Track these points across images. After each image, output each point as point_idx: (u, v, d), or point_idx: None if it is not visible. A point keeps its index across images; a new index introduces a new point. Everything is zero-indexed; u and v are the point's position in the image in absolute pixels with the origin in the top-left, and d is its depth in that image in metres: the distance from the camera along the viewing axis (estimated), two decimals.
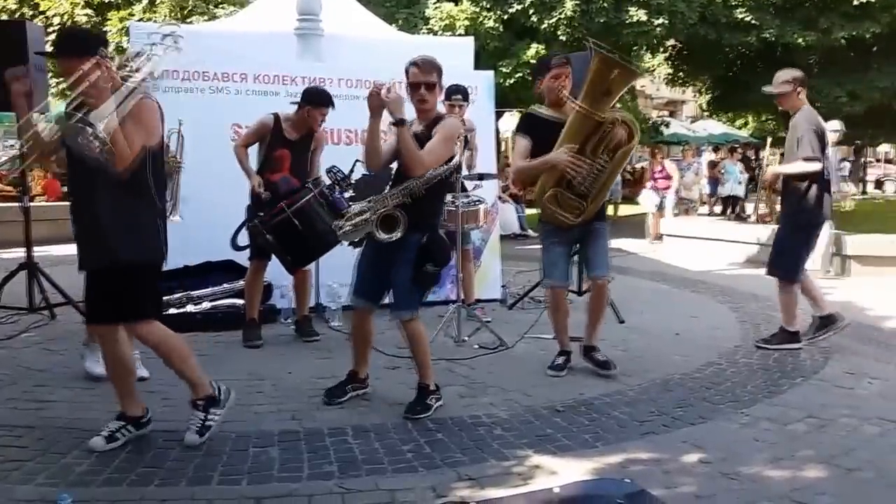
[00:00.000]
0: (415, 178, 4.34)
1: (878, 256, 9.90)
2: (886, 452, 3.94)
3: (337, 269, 6.52)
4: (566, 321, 5.40)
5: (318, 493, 3.46)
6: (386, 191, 4.43)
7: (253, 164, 6.04)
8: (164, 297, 6.10)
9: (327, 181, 5.88)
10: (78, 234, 3.92)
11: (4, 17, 16.14)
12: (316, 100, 5.96)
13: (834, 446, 4.02)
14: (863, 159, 36.09)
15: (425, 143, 4.40)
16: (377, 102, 4.27)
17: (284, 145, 5.97)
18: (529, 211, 17.46)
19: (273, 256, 5.94)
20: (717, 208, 20.52)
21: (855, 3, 14.66)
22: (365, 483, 3.58)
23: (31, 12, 16.23)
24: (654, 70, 22.99)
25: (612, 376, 5.13)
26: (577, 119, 4.88)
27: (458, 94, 6.53)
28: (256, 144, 6.08)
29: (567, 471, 3.71)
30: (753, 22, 15.30)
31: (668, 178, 14.66)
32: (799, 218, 5.85)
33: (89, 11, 16.00)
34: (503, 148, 14.91)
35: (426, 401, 4.50)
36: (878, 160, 42.02)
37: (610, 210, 18.61)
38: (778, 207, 5.73)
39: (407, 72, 4.48)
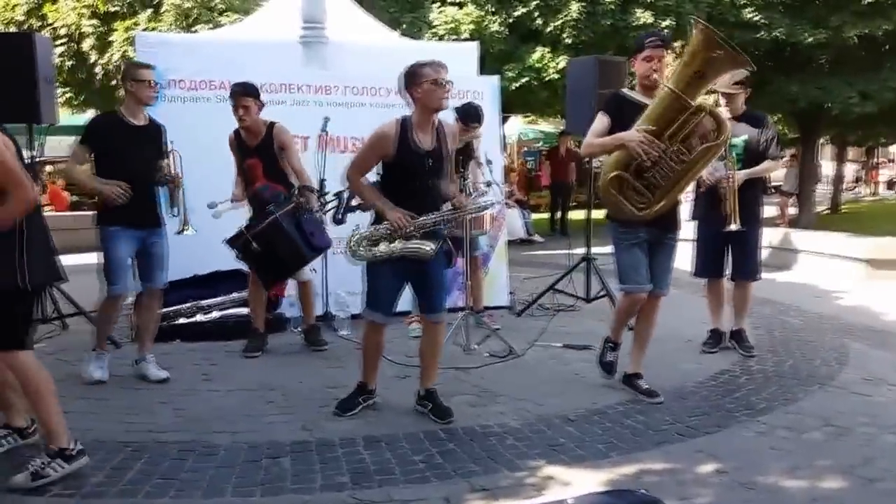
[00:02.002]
0: (459, 213, 4.58)
1: (893, 260, 9.79)
2: None
3: (345, 277, 6.50)
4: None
5: None
6: (420, 217, 4.38)
7: None
8: (174, 307, 6.11)
9: (311, 200, 5.81)
10: None
11: (12, 28, 16.19)
12: (233, 90, 5.89)
13: (853, 455, 3.96)
14: (874, 160, 35.94)
15: (442, 158, 4.44)
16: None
17: (250, 154, 5.87)
18: (535, 216, 17.44)
19: None
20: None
21: (865, 0, 14.56)
22: (378, 494, 3.56)
23: (38, 23, 16.28)
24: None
25: (662, 403, 4.81)
26: (662, 100, 4.52)
27: (477, 122, 6.47)
28: None
29: (580, 481, 3.67)
30: (762, 21, 15.21)
31: None
32: (760, 218, 5.97)
33: (95, 21, 16.04)
34: (507, 153, 14.88)
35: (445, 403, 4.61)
36: (890, 160, 41.81)
37: None
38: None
39: (414, 74, 4.35)
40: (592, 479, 3.70)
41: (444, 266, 4.59)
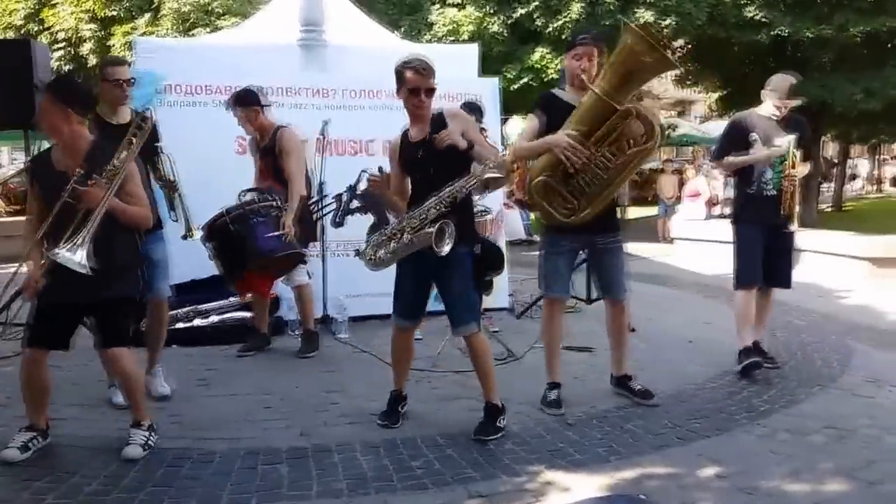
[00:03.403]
0: (458, 184, 4.13)
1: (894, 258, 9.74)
2: None
3: (344, 280, 6.47)
4: (560, 344, 5.00)
5: None
6: (420, 206, 4.21)
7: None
8: (172, 311, 6.08)
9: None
10: None
11: (11, 33, 16.21)
12: (234, 101, 5.90)
13: (855, 458, 3.92)
14: (878, 157, 35.88)
15: (441, 149, 4.21)
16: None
17: (261, 155, 5.95)
18: (535, 215, 17.40)
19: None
20: (728, 210, 20.41)
21: None
22: (374, 501, 3.53)
23: (36, 27, 16.31)
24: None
25: (656, 405, 4.75)
26: (590, 102, 4.38)
27: (477, 113, 6.42)
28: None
29: (580, 487, 3.64)
30: (764, 20, 15.18)
31: (697, 194, 15.18)
32: None
33: (94, 26, 16.06)
34: (509, 152, 14.84)
35: (497, 423, 4.32)
36: (893, 157, 41.75)
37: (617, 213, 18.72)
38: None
39: (400, 74, 4.26)
40: (592, 485, 3.66)
41: (471, 272, 4.33)
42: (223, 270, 5.77)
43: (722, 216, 19.81)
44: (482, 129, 4.57)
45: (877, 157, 35.86)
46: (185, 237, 5.19)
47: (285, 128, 5.98)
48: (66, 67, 16.12)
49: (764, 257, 5.44)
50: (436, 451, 4.10)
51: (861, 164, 36.83)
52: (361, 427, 4.46)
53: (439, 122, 4.29)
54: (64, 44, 16.32)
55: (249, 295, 6.32)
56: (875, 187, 34.61)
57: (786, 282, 5.60)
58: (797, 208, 5.35)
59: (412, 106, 4.29)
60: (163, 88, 6.72)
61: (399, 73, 4.27)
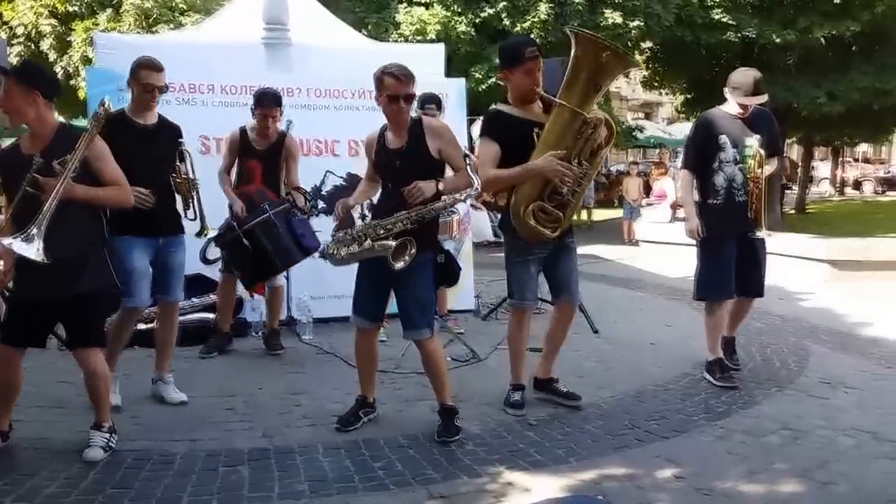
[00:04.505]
0: (432, 205, 4.18)
1: (857, 261, 9.91)
2: (861, 465, 3.92)
3: (308, 282, 6.46)
4: (525, 348, 4.95)
5: None
6: (388, 217, 4.21)
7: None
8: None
9: (299, 201, 5.77)
10: None
11: None
12: (259, 101, 5.84)
13: (808, 459, 3.99)
14: (841, 160, 36.41)
15: (416, 157, 4.26)
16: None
17: (253, 156, 5.91)
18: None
19: None
20: None
21: (835, 0, 14.69)
22: (336, 502, 3.54)
23: None
24: (629, 72, 23.14)
25: (580, 407, 4.76)
26: (562, 118, 4.36)
27: (432, 103, 6.47)
28: None
29: (540, 487, 3.67)
30: (731, 22, 15.34)
31: (663, 195, 15.28)
32: None
33: (53, 21, 15.82)
34: (476, 153, 14.86)
35: (455, 422, 4.36)
36: (856, 160, 42.43)
37: (584, 215, 18.83)
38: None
39: (380, 80, 4.26)
40: (552, 485, 3.69)
41: (430, 277, 4.35)
42: (251, 271, 5.71)
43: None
44: (466, 156, 4.49)
45: (839, 159, 36.39)
46: (198, 235, 5.13)
47: (290, 133, 6.06)
48: None
49: (738, 268, 5.26)
50: (398, 452, 4.11)
51: (820, 167, 37.35)
52: (324, 429, 4.46)
53: (417, 129, 4.31)
54: (23, 38, 16.06)
55: (213, 295, 6.28)
56: (837, 190, 35.13)
57: (759, 291, 5.46)
58: (763, 213, 5.19)
59: (391, 112, 4.27)
60: (124, 85, 6.63)
61: (378, 80, 4.27)
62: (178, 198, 4.99)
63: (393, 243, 4.08)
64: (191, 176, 4.96)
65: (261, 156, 5.93)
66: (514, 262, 4.74)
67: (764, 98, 5.21)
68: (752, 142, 5.13)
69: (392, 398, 5.01)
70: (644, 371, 5.62)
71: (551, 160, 4.32)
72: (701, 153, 5.29)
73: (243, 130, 5.94)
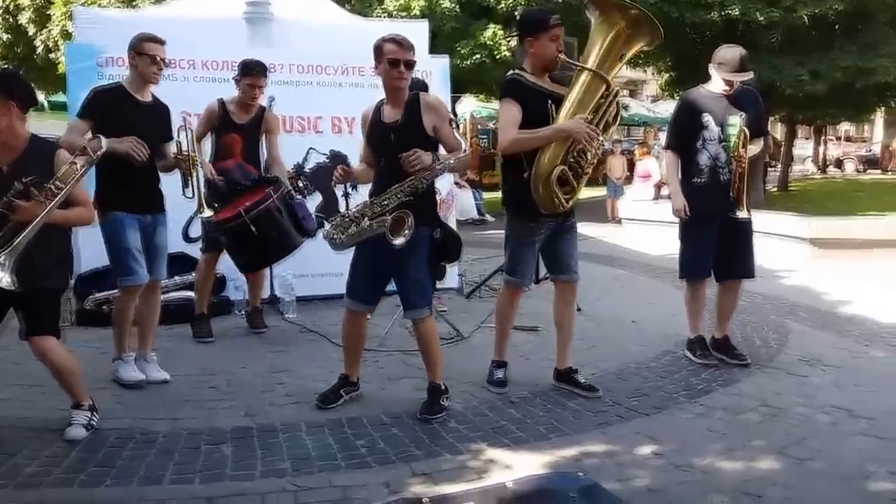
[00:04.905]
0: (420, 176, 4.15)
1: (837, 239, 9.99)
2: (838, 442, 3.97)
3: (291, 260, 6.43)
4: (511, 326, 5.03)
5: (270, 492, 3.42)
6: (383, 193, 4.22)
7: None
8: (114, 291, 5.99)
9: (287, 185, 5.75)
10: None
11: None
12: (248, 70, 5.78)
13: (786, 436, 4.04)
14: (823, 138, 36.53)
15: (411, 132, 4.22)
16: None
17: (233, 130, 5.85)
18: (487, 195, 17.45)
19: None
20: None
21: None
22: (318, 480, 3.55)
23: None
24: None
25: (600, 397, 4.64)
26: (590, 84, 4.33)
27: (418, 89, 6.40)
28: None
29: (521, 464, 3.70)
30: (715, 0, 15.29)
31: (647, 175, 15.36)
32: None
33: None
34: (461, 131, 14.84)
35: (440, 402, 4.38)
36: (838, 138, 42.58)
37: None
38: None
39: (379, 48, 4.23)
40: (533, 462, 3.72)
41: (426, 257, 4.34)
42: (253, 257, 5.67)
43: (671, 197, 20.13)
44: (451, 119, 4.48)
45: (822, 138, 36.52)
46: (196, 213, 5.20)
47: (268, 108, 6.02)
48: (5, 37, 15.68)
49: (723, 250, 5.24)
50: (380, 430, 4.13)
51: (803, 146, 37.46)
52: (307, 407, 4.47)
53: (414, 104, 4.28)
54: (1, 11, 15.85)
55: (194, 274, 6.25)
56: (819, 169, 35.29)
57: (746, 272, 5.36)
58: (745, 193, 5.13)
59: (392, 79, 4.22)
60: (103, 61, 6.59)
61: (378, 48, 4.25)
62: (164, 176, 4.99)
63: (389, 218, 4.08)
64: (191, 153, 4.96)
65: (241, 129, 5.88)
66: (519, 241, 4.68)
67: (750, 75, 5.18)
68: (737, 120, 5.08)
69: (376, 376, 5.03)
70: (626, 349, 5.67)
71: (580, 122, 4.27)
72: (684, 133, 5.27)
73: (222, 103, 5.87)
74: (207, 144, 5.99)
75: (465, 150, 4.22)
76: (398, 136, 4.23)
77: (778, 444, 3.93)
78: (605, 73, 4.35)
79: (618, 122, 4.65)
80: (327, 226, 4.48)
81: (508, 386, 4.78)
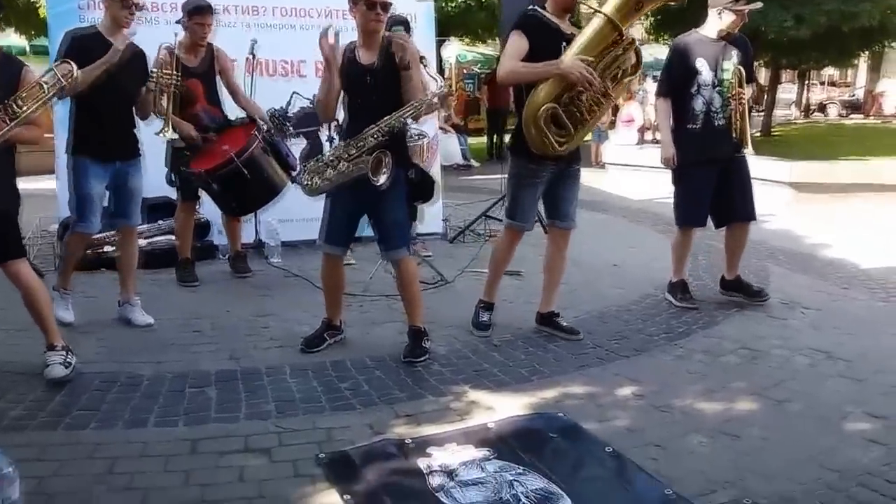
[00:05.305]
0: (396, 115, 4.11)
1: (818, 183, 10.04)
2: (815, 383, 4.03)
3: (276, 205, 6.41)
4: (504, 270, 5.04)
5: (254, 434, 3.45)
6: (358, 135, 4.16)
7: None
8: (99, 235, 5.96)
9: (265, 126, 5.68)
10: None
11: None
12: (195, 9, 5.63)
13: (765, 378, 4.10)
14: (807, 82, 36.39)
15: (389, 74, 4.16)
16: (327, 51, 4.14)
17: (190, 76, 5.65)
18: (472, 141, 17.37)
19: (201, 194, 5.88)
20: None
21: None
22: (302, 422, 3.58)
23: None
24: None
25: (581, 340, 4.70)
26: (601, 29, 4.26)
27: (400, 25, 6.32)
28: None
29: (503, 406, 3.74)
30: None
31: (631, 120, 15.33)
32: None
33: None
34: (447, 75, 14.69)
35: (423, 344, 4.40)
36: (822, 83, 42.43)
37: None
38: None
39: None
40: (515, 404, 3.77)
41: (404, 198, 4.34)
42: (242, 201, 5.65)
43: (655, 142, 20.10)
44: (421, 58, 4.44)
45: (806, 83, 36.39)
46: (158, 134, 5.14)
47: (215, 44, 5.87)
48: None
49: (723, 194, 5.22)
50: (364, 373, 4.17)
51: (785, 90, 37.31)
52: (291, 351, 4.49)
53: (389, 48, 4.21)
54: None
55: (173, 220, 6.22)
56: (802, 113, 35.24)
57: (749, 214, 5.35)
58: (748, 130, 5.13)
59: (368, 21, 4.13)
60: (84, 4, 6.47)
61: None
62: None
63: (369, 158, 4.05)
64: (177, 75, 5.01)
65: (198, 74, 5.74)
66: (522, 183, 4.64)
67: (759, 5, 5.08)
68: (731, 64, 5.08)
69: (359, 321, 5.05)
70: (607, 292, 5.71)
71: (577, 62, 4.19)
72: (677, 79, 5.22)
73: (171, 51, 5.45)
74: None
75: (440, 87, 4.23)
76: (375, 78, 4.18)
77: (757, 385, 3.99)
78: (620, 21, 4.26)
79: (636, 75, 4.59)
80: (303, 173, 4.43)
81: (491, 330, 4.82)
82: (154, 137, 5.29)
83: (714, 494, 2.90)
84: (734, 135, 5.13)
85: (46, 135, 4.44)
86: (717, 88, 5.10)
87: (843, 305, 5.43)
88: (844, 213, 8.98)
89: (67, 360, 4.04)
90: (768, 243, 7.38)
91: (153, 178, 5.87)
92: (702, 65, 5.10)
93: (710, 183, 5.20)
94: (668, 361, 4.37)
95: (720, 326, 4.96)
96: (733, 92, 5.05)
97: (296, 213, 6.75)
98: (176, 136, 5.29)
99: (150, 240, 6.39)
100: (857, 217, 8.74)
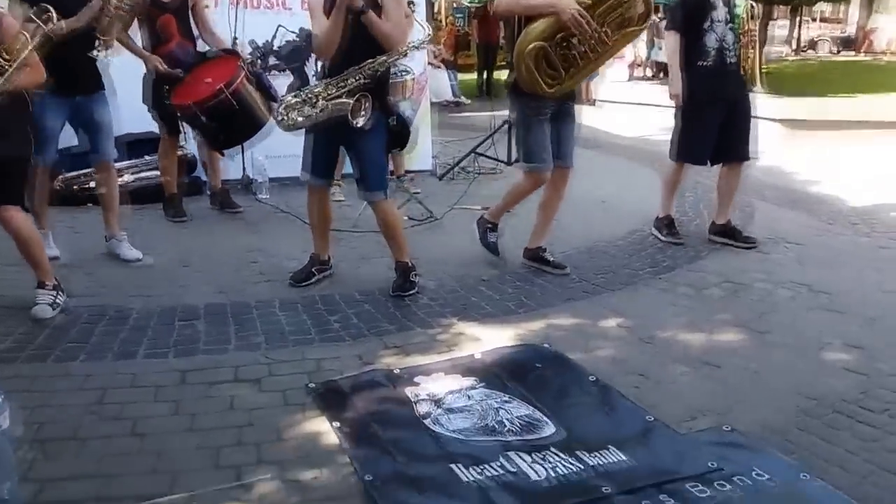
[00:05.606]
0: (380, 59, 4.08)
1: (809, 120, 10.03)
2: (797, 316, 4.10)
3: (263, 142, 6.39)
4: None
5: (244, 365, 3.49)
6: (340, 75, 4.12)
7: None
8: (87, 170, 5.95)
9: (248, 57, 5.63)
10: None
11: None
12: None
13: (748, 310, 4.16)
14: (799, 18, 35.99)
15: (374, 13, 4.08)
16: None
17: (163, 10, 5.59)
18: (462, 77, 17.20)
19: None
20: (650, 71, 20.47)
21: None
22: (291, 353, 3.62)
23: None
24: None
25: (568, 274, 4.73)
26: None
27: None
28: None
29: (490, 337, 3.80)
30: None
31: (620, 56, 15.22)
32: None
33: None
34: (436, 9, 14.51)
35: (411, 278, 4.43)
36: (814, 19, 41.96)
37: None
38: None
39: None
40: (502, 335, 3.82)
41: (384, 141, 4.31)
42: (229, 133, 5.54)
43: (645, 78, 19.98)
44: (409, 2, 4.36)
45: (798, 19, 35.99)
46: (90, 53, 4.88)
47: None
48: None
49: (724, 132, 5.16)
50: (354, 307, 4.20)
51: (777, 26, 36.88)
52: (281, 286, 4.52)
53: None
54: None
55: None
56: (794, 50, 34.94)
57: (746, 154, 5.31)
58: (758, 67, 5.06)
59: None
60: None
61: None
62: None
63: (350, 101, 4.02)
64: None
65: (172, 9, 5.65)
66: (528, 122, 4.58)
67: None
68: (742, 0, 5.03)
69: (349, 256, 5.08)
70: (595, 228, 5.74)
71: (573, 3, 4.14)
72: (691, 13, 5.10)
73: None
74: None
75: (427, 34, 4.21)
76: (356, 16, 4.08)
77: (739, 318, 4.05)
78: None
79: (644, 26, 4.46)
80: (279, 106, 4.37)
81: (480, 267, 4.86)
82: (132, 73, 5.21)
83: (694, 421, 2.97)
84: (744, 72, 5.09)
85: None
86: (730, 25, 5.03)
87: (827, 240, 5.48)
88: (834, 150, 9.00)
89: (56, 300, 4.06)
90: (756, 178, 7.40)
91: (137, 114, 5.83)
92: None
93: (716, 121, 5.14)
94: (653, 295, 4.43)
95: (705, 261, 5.01)
96: (744, 28, 5.00)
97: (284, 150, 6.69)
98: (104, 53, 5.14)
99: (136, 175, 6.36)
100: (845, 154, 8.76)
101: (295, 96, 4.31)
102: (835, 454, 2.72)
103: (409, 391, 3.23)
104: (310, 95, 4.22)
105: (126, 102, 5.86)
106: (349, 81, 4.09)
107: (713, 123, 5.15)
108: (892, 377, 3.32)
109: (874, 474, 2.59)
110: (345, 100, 4.05)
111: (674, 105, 5.31)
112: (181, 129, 5.86)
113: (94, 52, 4.83)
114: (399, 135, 4.42)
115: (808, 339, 3.77)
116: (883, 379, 3.31)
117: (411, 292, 4.36)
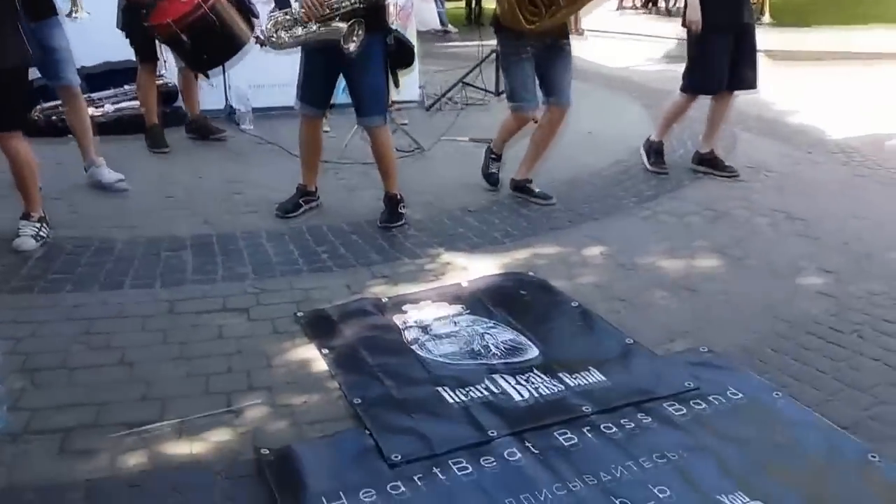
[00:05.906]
0: None
1: (791, 51, 9.99)
2: (774, 241, 4.19)
3: (248, 70, 6.32)
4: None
5: (232, 294, 3.54)
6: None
7: None
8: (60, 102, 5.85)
9: None
10: None
11: None
12: None
13: (726, 237, 4.24)
14: None
15: None
16: None
17: None
18: (450, 5, 16.92)
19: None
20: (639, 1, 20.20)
21: None
22: (279, 283, 3.66)
23: None
24: None
25: (554, 205, 4.77)
26: None
27: None
28: None
29: (476, 266, 3.86)
30: None
31: None
32: None
33: None
34: None
35: (399, 210, 4.44)
36: None
37: None
38: None
39: None
40: (488, 265, 3.89)
41: (382, 65, 4.26)
42: (211, 55, 5.34)
43: (634, 8, 19.70)
44: None
45: None
46: (69, 16, 4.91)
47: None
48: None
49: (733, 61, 5.11)
50: (341, 238, 4.24)
51: None
52: (267, 216, 4.54)
53: None
54: None
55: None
56: None
57: (754, 82, 5.26)
58: None
59: None
60: None
61: None
62: None
63: (344, 25, 3.95)
64: None
65: None
66: (509, 60, 4.63)
67: None
68: None
69: (336, 187, 5.09)
70: (580, 159, 5.76)
71: None
72: None
73: None
74: None
75: None
76: None
77: (717, 244, 4.14)
78: None
79: None
80: (267, 23, 4.27)
81: (468, 196, 4.90)
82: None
83: (672, 343, 3.07)
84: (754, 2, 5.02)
85: None
86: None
87: (806, 169, 5.55)
88: (815, 81, 8.99)
89: (40, 233, 4.04)
90: (738, 109, 7.33)
91: (120, 42, 5.73)
92: None
93: (727, 49, 5.07)
94: (635, 223, 4.50)
95: (687, 190, 5.08)
96: None
97: (267, 79, 6.65)
98: (87, 15, 5.07)
99: (116, 105, 6.29)
100: (827, 85, 8.76)
101: (286, 13, 4.17)
102: (806, 373, 2.82)
103: (396, 319, 3.30)
104: (301, 16, 4.10)
105: (101, 30, 5.74)
106: (344, 5, 4.02)
107: (724, 52, 5.08)
108: (862, 300, 3.43)
109: (842, 391, 2.70)
110: (338, 24, 3.98)
111: (683, 37, 5.26)
112: (158, 55, 5.73)
113: (72, 14, 4.80)
114: (399, 52, 4.38)
115: (784, 264, 3.86)
116: (853, 301, 3.42)
117: (398, 224, 4.40)
